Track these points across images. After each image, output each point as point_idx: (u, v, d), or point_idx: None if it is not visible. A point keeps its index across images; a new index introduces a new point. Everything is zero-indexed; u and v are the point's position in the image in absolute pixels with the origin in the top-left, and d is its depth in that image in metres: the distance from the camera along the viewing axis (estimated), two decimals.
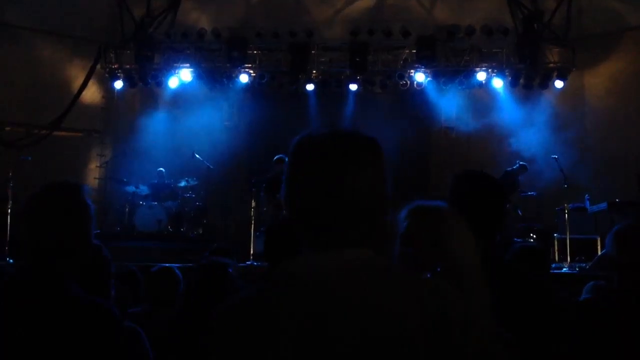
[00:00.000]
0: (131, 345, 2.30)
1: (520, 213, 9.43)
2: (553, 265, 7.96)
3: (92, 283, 2.19)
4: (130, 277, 4.64)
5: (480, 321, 1.20)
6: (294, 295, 1.17)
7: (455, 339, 1.16)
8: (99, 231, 9.92)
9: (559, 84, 11.23)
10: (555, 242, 8.85)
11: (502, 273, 2.26)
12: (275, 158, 8.90)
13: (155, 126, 11.70)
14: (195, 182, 10.92)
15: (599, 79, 11.32)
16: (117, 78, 11.81)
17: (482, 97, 11.89)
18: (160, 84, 11.90)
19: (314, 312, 1.14)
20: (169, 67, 11.76)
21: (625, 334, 2.37)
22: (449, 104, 11.96)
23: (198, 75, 11.86)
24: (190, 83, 11.94)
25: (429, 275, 1.31)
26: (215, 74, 11.87)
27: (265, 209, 9.47)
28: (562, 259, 8.29)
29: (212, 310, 1.25)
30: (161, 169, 11.02)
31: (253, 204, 8.87)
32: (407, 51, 11.76)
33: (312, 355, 1.12)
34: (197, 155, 10.90)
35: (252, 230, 8.50)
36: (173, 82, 11.85)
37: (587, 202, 8.93)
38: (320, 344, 1.12)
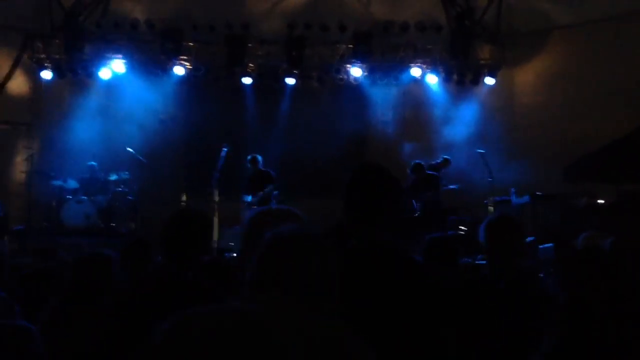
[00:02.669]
0: (16, 345, 2.23)
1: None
2: (479, 257, 8.18)
3: None
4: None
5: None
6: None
7: None
8: (22, 227, 9.60)
9: (489, 80, 11.52)
10: None
11: (389, 261, 2.30)
12: (249, 158, 9.86)
13: (86, 119, 11.33)
14: (127, 176, 10.68)
15: (527, 76, 11.69)
16: (45, 68, 11.38)
17: (416, 93, 12.07)
18: (91, 75, 11.55)
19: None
20: (100, 58, 11.42)
21: (488, 317, 2.47)
22: (384, 99, 12.10)
23: (131, 67, 11.56)
24: (123, 75, 11.63)
25: None
26: (149, 65, 11.62)
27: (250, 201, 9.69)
28: None
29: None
30: (92, 162, 10.73)
31: (216, 198, 9.49)
32: (343, 46, 11.82)
33: None
34: (129, 149, 10.69)
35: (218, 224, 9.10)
36: (105, 74, 11.52)
37: (513, 196, 9.22)
38: None
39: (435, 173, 9.56)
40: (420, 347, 2.20)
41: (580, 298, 2.37)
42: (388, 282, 2.24)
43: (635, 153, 8.38)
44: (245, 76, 11.88)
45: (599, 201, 9.31)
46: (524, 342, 2.26)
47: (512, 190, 9.27)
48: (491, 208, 8.90)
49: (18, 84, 11.43)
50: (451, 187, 9.75)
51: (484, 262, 7.72)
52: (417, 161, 9.74)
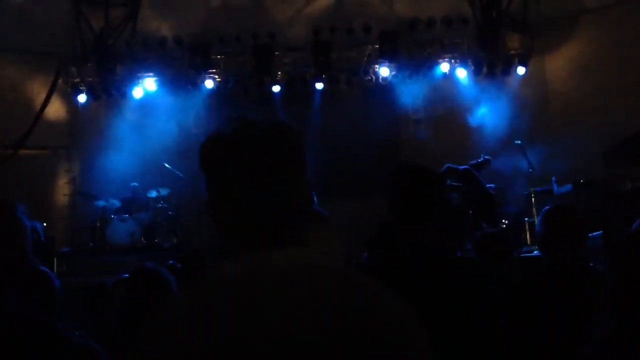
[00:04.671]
0: None
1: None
2: (524, 249, 8.08)
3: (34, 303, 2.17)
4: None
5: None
6: (220, 297, 1.15)
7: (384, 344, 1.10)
8: (68, 249, 9.83)
9: (520, 70, 11.35)
10: (527, 226, 8.98)
11: (434, 260, 2.30)
12: None
13: (123, 138, 11.55)
14: (167, 192, 10.85)
15: (558, 63, 11.48)
16: (80, 92, 11.68)
17: (447, 88, 11.96)
18: (124, 95, 11.80)
19: (237, 313, 1.12)
20: (132, 78, 11.65)
21: (548, 309, 2.45)
22: (415, 97, 12.02)
23: (162, 84, 11.77)
24: (155, 92, 11.85)
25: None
26: (179, 81, 11.79)
27: None
28: (533, 242, 8.39)
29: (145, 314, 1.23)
30: (135, 183, 10.94)
31: None
32: (370, 47, 11.80)
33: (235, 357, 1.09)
34: (167, 165, 10.87)
35: None
36: (137, 93, 11.76)
37: (555, 185, 9.05)
38: (244, 345, 1.09)
39: (466, 167, 9.30)
40: (476, 347, 2.19)
41: (632, 284, 2.32)
42: (441, 282, 2.24)
43: None
44: (274, 84, 11.96)
45: None
46: (586, 332, 2.23)
47: (554, 179, 9.09)
48: (533, 199, 8.76)
49: (55, 109, 11.71)
50: (489, 185, 9.57)
51: (536, 253, 7.64)
52: (445, 167, 9.30)
